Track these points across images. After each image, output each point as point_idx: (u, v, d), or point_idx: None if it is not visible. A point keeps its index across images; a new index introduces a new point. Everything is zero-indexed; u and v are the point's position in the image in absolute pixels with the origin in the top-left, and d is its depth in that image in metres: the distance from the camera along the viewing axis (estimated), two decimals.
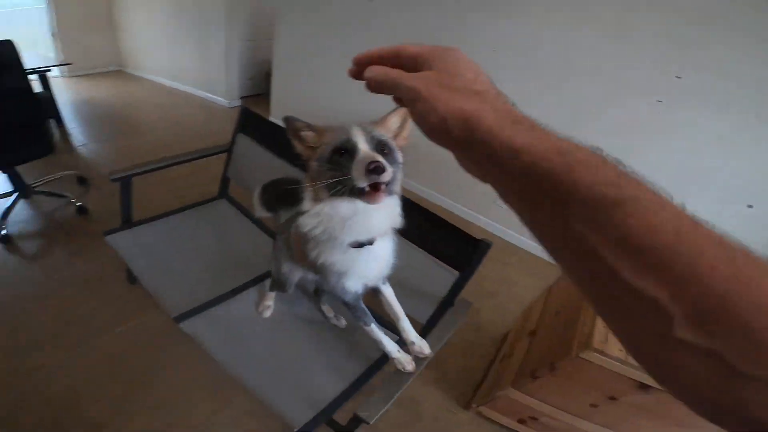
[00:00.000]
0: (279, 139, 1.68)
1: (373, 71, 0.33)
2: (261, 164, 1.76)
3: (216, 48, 4.04)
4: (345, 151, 0.67)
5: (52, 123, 3.12)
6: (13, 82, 2.24)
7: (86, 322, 1.76)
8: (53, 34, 4.44)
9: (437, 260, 1.26)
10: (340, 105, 3.10)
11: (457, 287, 1.23)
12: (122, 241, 1.59)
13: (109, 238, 1.58)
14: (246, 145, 1.82)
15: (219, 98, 4.31)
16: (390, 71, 0.32)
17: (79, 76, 4.87)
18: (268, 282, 1.47)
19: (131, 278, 1.91)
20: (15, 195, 2.29)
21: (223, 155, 1.90)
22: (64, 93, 3.98)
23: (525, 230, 0.27)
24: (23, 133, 2.14)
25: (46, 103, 2.17)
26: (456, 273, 1.23)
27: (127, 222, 1.68)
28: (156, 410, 1.48)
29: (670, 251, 0.18)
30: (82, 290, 1.90)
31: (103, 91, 4.46)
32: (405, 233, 1.30)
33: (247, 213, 1.89)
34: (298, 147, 0.79)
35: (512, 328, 1.91)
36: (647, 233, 0.19)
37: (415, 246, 1.28)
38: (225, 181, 1.95)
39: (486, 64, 0.31)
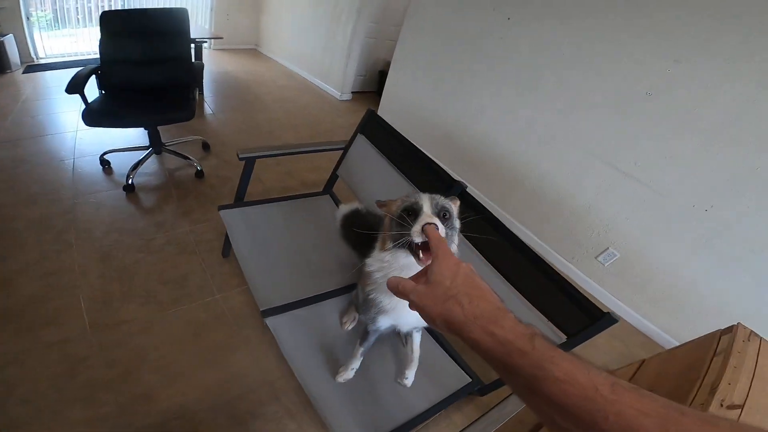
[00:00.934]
0: (397, 149, 1.63)
1: (390, 282, 0.48)
2: (373, 169, 1.70)
3: (341, 41, 4.13)
4: (412, 212, 0.76)
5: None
6: (178, 48, 2.46)
7: (178, 285, 1.84)
8: (212, 9, 4.89)
9: (543, 317, 1.10)
10: (446, 118, 2.95)
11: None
12: (232, 218, 1.64)
13: (222, 212, 1.64)
14: (363, 147, 1.77)
15: (333, 89, 4.41)
16: (400, 285, 0.47)
17: (221, 49, 5.33)
18: None
19: (225, 252, 1.97)
20: (149, 150, 2.50)
21: (335, 153, 1.89)
22: (207, 63, 4.33)
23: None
24: (174, 97, 2.33)
25: (197, 72, 2.31)
26: (562, 337, 1.06)
27: (240, 199, 1.74)
28: (208, 391, 1.48)
29: None
30: (181, 252, 2.00)
31: (238, 66, 4.81)
32: (511, 279, 1.17)
33: None
34: (384, 210, 0.89)
35: None
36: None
37: (521, 296, 1.15)
38: (333, 178, 1.92)
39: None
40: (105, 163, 2.51)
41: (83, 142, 2.72)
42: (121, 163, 2.52)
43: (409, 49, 3.22)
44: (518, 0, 2.32)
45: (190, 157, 2.55)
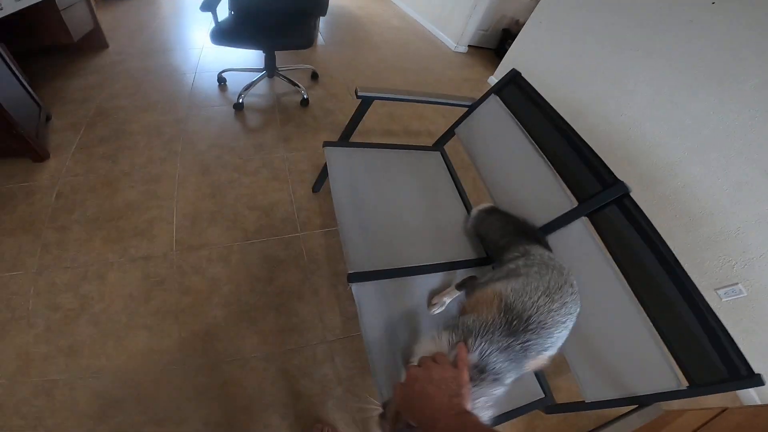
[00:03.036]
0: (542, 124, 1.17)
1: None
2: (503, 139, 1.28)
3: None
4: None
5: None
6: None
7: (264, 213, 1.64)
8: None
9: (671, 355, 0.82)
10: (581, 95, 2.25)
11: (670, 396, 0.81)
12: (336, 157, 1.36)
13: (327, 149, 1.36)
14: (495, 110, 1.32)
15: (448, 39, 3.79)
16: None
17: None
18: (459, 275, 1.11)
19: (316, 187, 1.70)
20: (262, 73, 2.30)
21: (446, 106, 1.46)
22: None
23: None
24: (296, 24, 2.05)
25: (323, 1, 1.99)
26: (683, 383, 0.80)
27: (347, 137, 1.43)
28: (266, 338, 1.30)
29: None
30: (274, 178, 1.78)
31: (355, 2, 4.41)
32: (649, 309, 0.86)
33: (456, 180, 1.45)
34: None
35: None
36: None
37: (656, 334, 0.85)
38: (448, 134, 1.51)
39: None
40: (222, 80, 2.37)
41: (206, 59, 2.62)
42: (236, 82, 2.37)
43: (555, 8, 2.47)
44: None
45: (299, 85, 2.28)
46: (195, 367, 1.19)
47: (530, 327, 0.68)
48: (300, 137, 2.01)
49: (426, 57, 3.40)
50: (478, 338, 0.65)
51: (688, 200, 1.67)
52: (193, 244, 1.48)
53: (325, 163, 1.37)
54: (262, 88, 2.38)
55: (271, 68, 2.30)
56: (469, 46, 3.77)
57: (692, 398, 0.77)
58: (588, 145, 1.05)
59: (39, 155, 1.70)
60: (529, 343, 0.67)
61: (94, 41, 2.55)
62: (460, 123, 1.44)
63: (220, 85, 2.36)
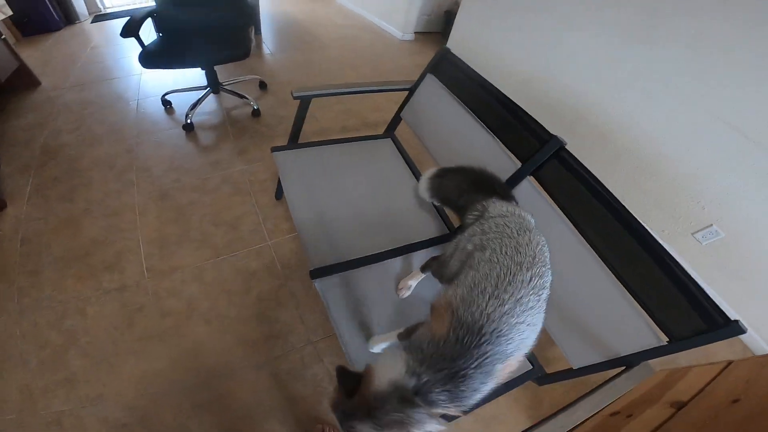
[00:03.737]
0: (477, 93, 1.23)
1: None
2: (445, 114, 1.34)
3: None
4: None
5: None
6: None
7: (231, 228, 1.65)
8: None
9: (644, 312, 0.84)
10: (525, 65, 2.32)
11: (652, 354, 0.81)
12: (284, 160, 1.39)
13: (276, 154, 1.39)
14: (433, 88, 1.39)
15: (394, 29, 3.83)
16: None
17: None
18: (421, 257, 1.15)
19: (278, 194, 1.73)
20: (207, 90, 2.27)
21: (399, 93, 1.51)
22: (265, 3, 3.94)
23: None
24: (229, 37, 2.03)
25: (251, 10, 1.98)
26: (663, 340, 0.81)
27: (294, 139, 1.46)
28: (253, 347, 1.32)
29: None
30: (235, 192, 1.79)
31: (296, 6, 4.37)
32: (609, 260, 0.89)
33: (410, 163, 1.49)
34: None
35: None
36: None
37: (628, 295, 0.86)
38: (395, 120, 1.55)
39: None
40: (166, 104, 2.33)
41: (147, 84, 2.56)
42: (182, 103, 2.33)
43: None
44: None
45: (247, 96, 2.28)
46: (190, 384, 1.21)
47: (483, 339, 0.62)
48: (256, 147, 2.02)
49: (376, 49, 3.44)
50: (425, 365, 0.62)
51: (648, 150, 1.74)
52: (164, 269, 1.49)
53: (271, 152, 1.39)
54: (209, 105, 2.36)
55: (214, 84, 2.28)
56: (415, 32, 3.82)
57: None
58: (520, 107, 1.10)
59: None
60: (488, 355, 0.62)
61: (24, 80, 2.45)
62: (404, 107, 1.49)
63: (165, 108, 2.32)
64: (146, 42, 1.91)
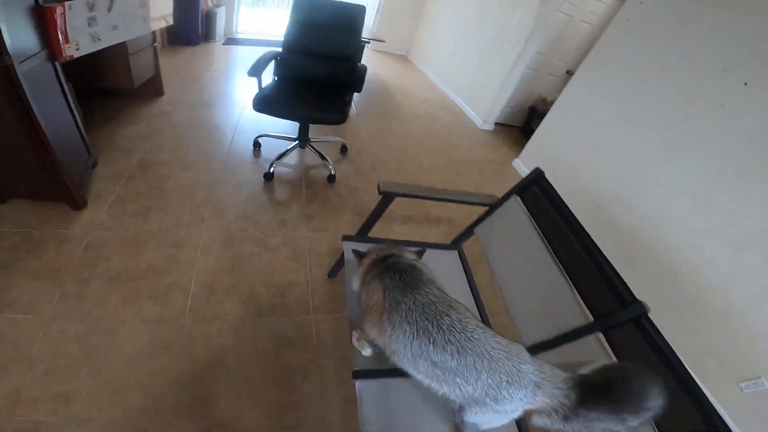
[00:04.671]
0: (561, 232, 1.14)
1: None
2: (521, 242, 1.27)
3: (498, 67, 3.66)
4: None
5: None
6: (350, 45, 2.32)
7: (279, 293, 1.66)
8: (378, 10, 4.80)
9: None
10: (605, 186, 2.33)
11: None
12: (350, 248, 1.37)
13: (345, 243, 1.40)
14: (514, 212, 1.33)
15: (475, 115, 3.97)
16: None
17: (375, 50, 5.25)
18: None
19: (332, 272, 1.74)
20: (295, 143, 2.41)
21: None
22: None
23: None
24: (334, 98, 2.18)
25: (361, 75, 2.11)
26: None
27: (365, 231, 1.47)
28: (265, 411, 1.28)
29: None
30: (293, 257, 1.83)
31: (387, 71, 4.69)
32: None
33: (471, 279, 1.47)
34: None
35: None
36: None
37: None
38: (466, 233, 1.53)
39: None
40: (257, 145, 2.51)
41: (245, 120, 2.79)
42: (269, 148, 2.50)
43: (582, 93, 2.62)
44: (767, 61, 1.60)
45: (327, 159, 2.40)
46: (186, 430, 1.18)
47: None
48: (323, 216, 2.08)
49: (453, 133, 3.56)
50: None
51: (718, 300, 1.65)
52: (206, 315, 1.51)
53: (343, 252, 1.41)
54: (292, 158, 2.51)
55: (304, 139, 2.43)
56: (496, 123, 3.92)
57: None
58: (608, 260, 1.01)
59: (77, 204, 1.78)
60: None
61: (152, 88, 2.74)
62: (479, 222, 1.46)
63: (254, 149, 2.49)
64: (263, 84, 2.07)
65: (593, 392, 0.77)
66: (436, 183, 2.66)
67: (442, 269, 1.46)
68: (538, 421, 0.81)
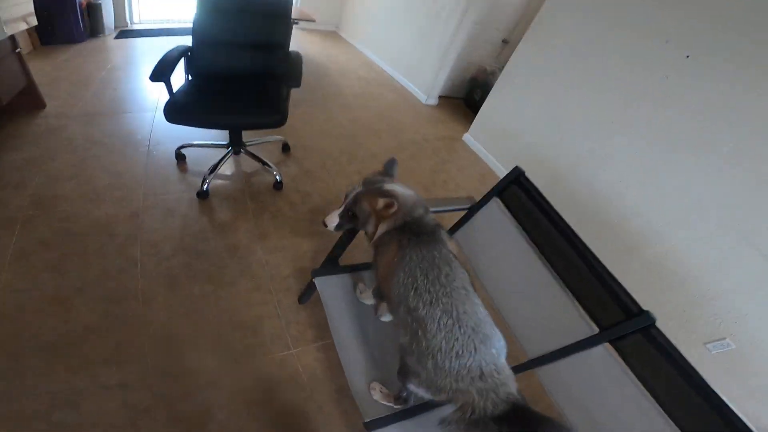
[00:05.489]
0: (551, 235, 1.08)
1: None
2: (508, 250, 1.20)
3: (437, 39, 3.53)
4: None
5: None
6: (277, 32, 2.05)
7: (251, 331, 1.48)
8: None
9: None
10: (557, 157, 2.41)
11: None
12: (325, 286, 1.30)
13: (318, 280, 1.30)
14: (496, 216, 1.25)
15: (417, 90, 3.85)
16: None
17: (303, 29, 4.84)
18: None
19: (302, 298, 1.58)
20: (228, 150, 2.11)
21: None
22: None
23: None
24: (266, 96, 1.89)
25: (296, 65, 1.83)
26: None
27: (334, 262, 1.34)
28: None
29: None
30: (255, 289, 1.63)
31: (319, 50, 4.34)
32: None
33: None
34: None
35: None
36: None
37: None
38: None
39: None
40: (180, 157, 2.16)
41: (161, 127, 2.39)
42: (197, 158, 2.17)
43: (526, 65, 2.61)
44: (709, 34, 1.65)
45: (270, 165, 2.14)
46: None
47: None
48: (278, 232, 1.87)
49: (399, 113, 3.41)
50: None
51: (677, 264, 1.77)
52: (173, 371, 1.31)
53: (312, 278, 1.28)
54: (228, 167, 2.21)
55: (237, 144, 2.13)
56: (439, 97, 3.83)
57: None
58: (608, 270, 0.95)
59: None
60: None
61: (28, 101, 2.22)
62: (459, 227, 1.37)
63: (178, 162, 2.14)
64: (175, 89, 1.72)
65: (518, 417, 0.74)
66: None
67: None
68: (446, 411, 0.80)
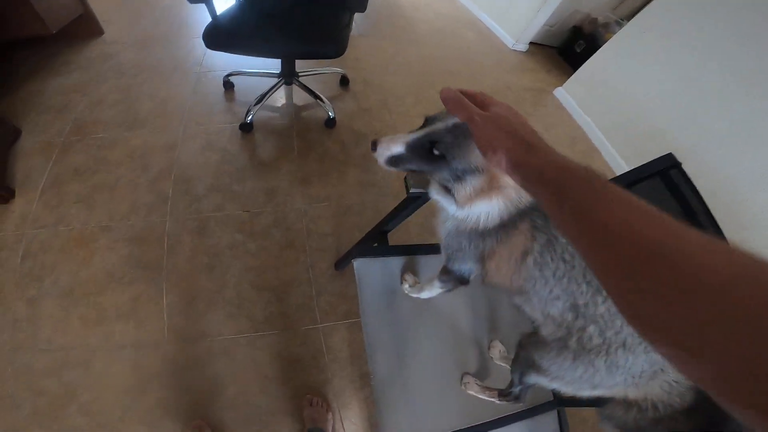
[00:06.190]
0: None
1: (449, 92, 0.43)
2: None
3: None
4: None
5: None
6: None
7: (275, 296, 1.27)
8: None
9: None
10: (675, 135, 1.73)
11: None
12: (365, 270, 0.96)
13: (357, 262, 0.97)
14: None
15: (504, 33, 3.14)
16: (463, 99, 0.42)
17: None
18: None
19: (340, 264, 1.29)
20: (278, 80, 1.81)
21: None
22: None
23: None
24: (325, 22, 1.53)
25: None
26: None
27: (382, 237, 1.01)
28: None
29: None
30: (288, 245, 1.38)
31: None
32: None
33: None
34: None
35: None
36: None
37: None
38: None
39: None
40: (228, 86, 1.91)
41: (212, 54, 2.12)
42: (246, 88, 1.92)
43: (663, 24, 1.84)
44: None
45: (324, 99, 1.80)
46: None
47: None
48: (322, 179, 1.57)
49: (479, 55, 2.81)
50: None
51: None
52: (190, 334, 1.18)
53: (351, 259, 0.96)
54: (277, 99, 1.92)
55: (289, 74, 1.82)
56: (530, 43, 3.11)
57: None
58: None
59: (2, 195, 1.34)
60: None
61: (85, 28, 2.11)
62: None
63: (226, 90, 1.91)
64: (220, 8, 1.45)
65: (710, 404, 0.55)
66: None
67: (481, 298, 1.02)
68: (616, 410, 0.70)
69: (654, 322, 0.21)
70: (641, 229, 0.23)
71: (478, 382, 0.90)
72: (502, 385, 0.86)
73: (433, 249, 1.00)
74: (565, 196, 0.29)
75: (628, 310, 0.23)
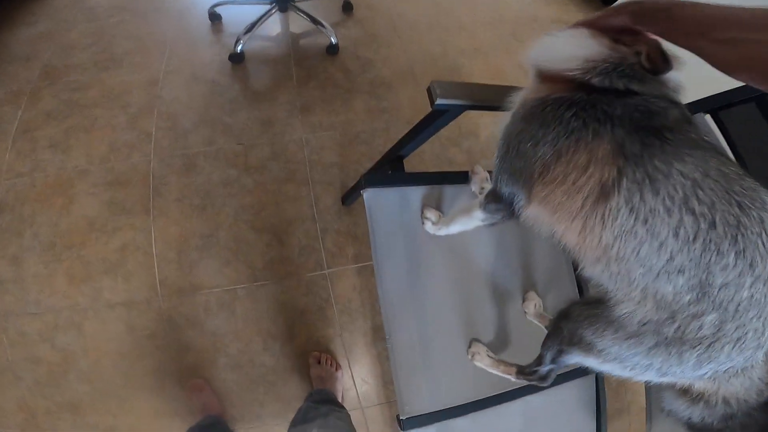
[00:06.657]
0: None
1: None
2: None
3: None
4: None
5: None
6: None
7: (276, 238, 1.12)
8: None
9: None
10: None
11: None
12: (377, 201, 0.77)
13: (367, 193, 0.76)
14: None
15: None
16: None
17: None
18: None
19: (347, 198, 1.12)
20: (271, 6, 1.57)
21: None
22: None
23: None
24: None
25: None
26: None
27: (397, 163, 0.85)
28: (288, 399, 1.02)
29: None
30: (288, 178, 1.21)
31: None
32: None
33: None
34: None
35: None
36: None
37: None
38: None
39: None
40: (215, 18, 1.68)
41: None
42: (235, 19, 1.68)
43: None
44: None
45: (324, 24, 1.56)
46: None
47: None
48: (325, 106, 1.36)
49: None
50: None
51: None
52: (183, 286, 1.06)
53: (360, 189, 0.76)
54: (270, 27, 1.68)
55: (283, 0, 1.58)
56: None
57: None
58: None
59: None
60: None
61: None
62: None
63: (212, 23, 1.68)
64: None
65: None
66: (486, 50, 1.79)
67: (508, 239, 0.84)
68: (677, 404, 0.58)
69: None
70: None
71: (490, 353, 0.74)
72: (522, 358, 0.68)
73: (461, 178, 0.79)
74: None
75: None
